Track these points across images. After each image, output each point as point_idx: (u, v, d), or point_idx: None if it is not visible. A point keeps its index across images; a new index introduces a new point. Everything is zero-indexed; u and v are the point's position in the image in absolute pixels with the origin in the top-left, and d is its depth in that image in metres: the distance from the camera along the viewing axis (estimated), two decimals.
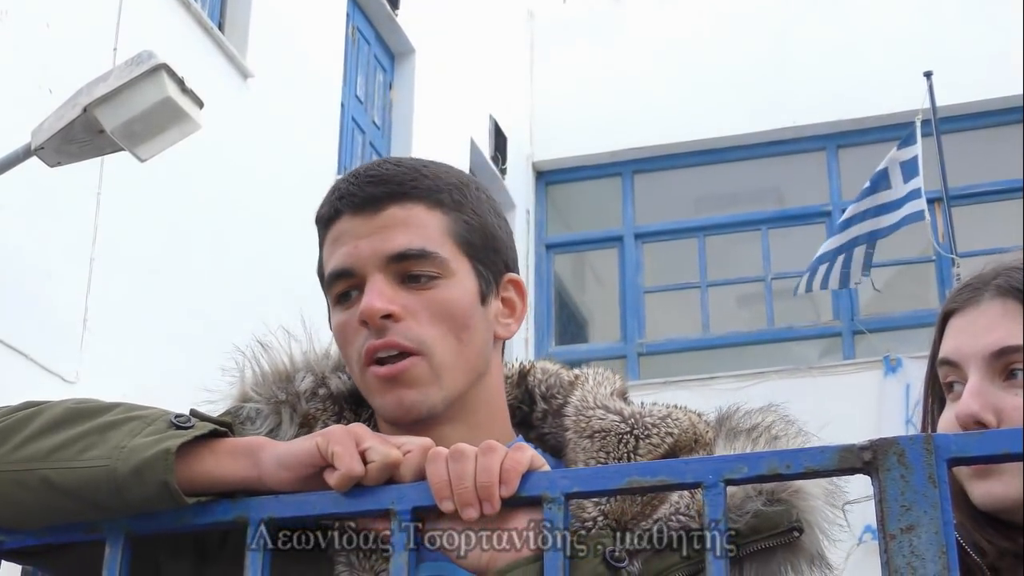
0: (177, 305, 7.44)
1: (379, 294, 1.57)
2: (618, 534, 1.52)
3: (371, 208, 1.61)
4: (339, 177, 1.70)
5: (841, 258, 10.39)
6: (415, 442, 1.44)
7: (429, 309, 1.59)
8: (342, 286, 1.62)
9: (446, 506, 1.37)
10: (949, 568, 1.18)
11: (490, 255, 1.67)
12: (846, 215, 10.46)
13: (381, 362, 1.58)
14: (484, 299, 1.65)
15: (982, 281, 1.72)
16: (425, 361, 1.58)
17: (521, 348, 11.78)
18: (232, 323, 7.16)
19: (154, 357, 7.04)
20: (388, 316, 1.57)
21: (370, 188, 1.61)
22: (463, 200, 1.66)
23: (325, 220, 1.66)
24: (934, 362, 1.76)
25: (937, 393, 1.77)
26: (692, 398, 1.73)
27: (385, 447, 1.42)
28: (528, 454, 1.38)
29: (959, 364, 1.69)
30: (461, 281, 1.62)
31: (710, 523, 1.27)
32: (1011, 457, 1.23)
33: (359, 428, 1.45)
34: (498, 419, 1.68)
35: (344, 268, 1.61)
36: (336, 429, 1.45)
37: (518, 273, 1.73)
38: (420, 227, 1.61)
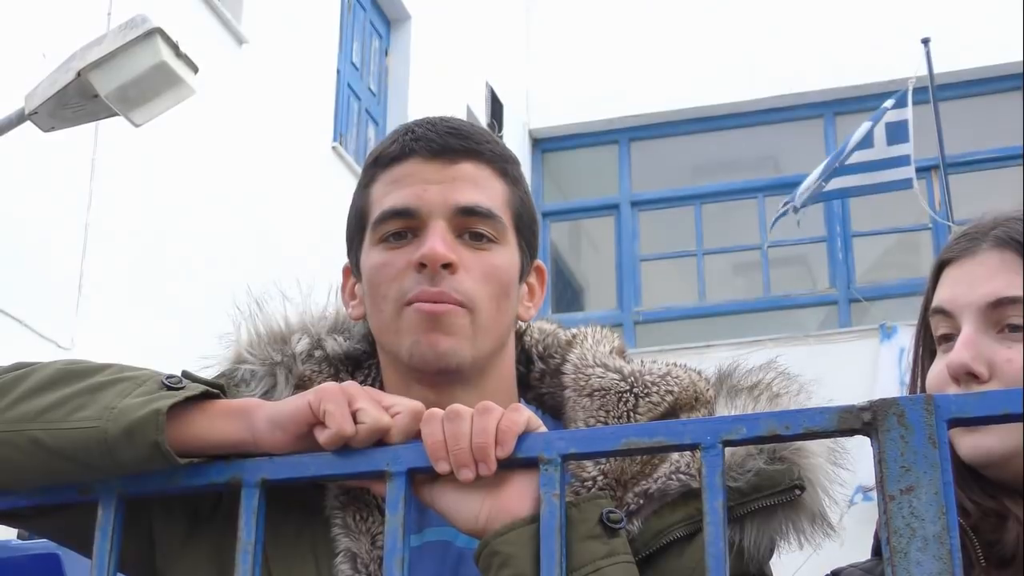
0: (172, 271, 7.42)
1: (442, 241, 1.56)
2: (617, 494, 1.51)
3: (447, 157, 1.61)
4: (407, 122, 1.68)
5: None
6: (405, 404, 1.43)
7: (482, 268, 1.59)
8: (397, 225, 1.60)
9: (441, 467, 1.36)
10: (949, 529, 1.17)
11: (531, 237, 1.69)
12: (829, 165, 10.30)
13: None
14: (521, 276, 1.66)
15: (980, 231, 1.68)
16: (469, 315, 1.57)
17: None
18: (227, 288, 7.14)
19: (149, 323, 7.03)
20: (447, 265, 1.56)
21: (450, 139, 1.61)
22: (519, 178, 1.68)
23: (390, 159, 1.63)
24: (926, 312, 1.71)
25: (928, 344, 1.72)
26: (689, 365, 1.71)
27: (376, 411, 1.41)
28: (524, 415, 1.37)
29: (953, 314, 1.65)
30: (511, 251, 1.63)
31: (708, 485, 1.26)
32: (1011, 418, 1.21)
33: (353, 387, 1.44)
34: (507, 391, 1.67)
35: (408, 208, 1.59)
36: (329, 386, 1.44)
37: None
38: (489, 189, 1.62)
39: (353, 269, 1.70)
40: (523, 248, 1.66)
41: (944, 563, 1.16)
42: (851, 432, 1.25)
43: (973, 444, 1.59)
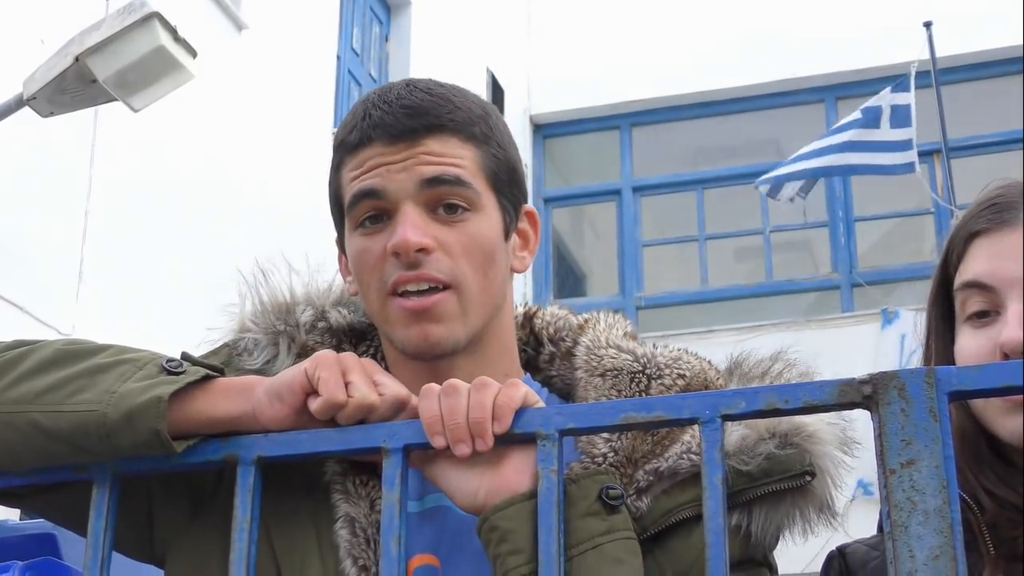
0: (172, 256, 7.41)
1: (413, 226, 1.52)
2: (628, 471, 1.50)
3: (406, 139, 1.55)
4: (365, 98, 1.62)
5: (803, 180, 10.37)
6: (391, 388, 1.43)
7: (460, 243, 1.55)
8: (368, 207, 1.56)
9: (437, 441, 1.35)
10: (950, 502, 1.16)
11: (513, 189, 1.64)
12: (830, 141, 10.31)
13: (406, 295, 1.54)
14: (507, 234, 1.62)
15: (1009, 201, 1.61)
16: (455, 296, 1.54)
17: (519, 303, 11.75)
18: (227, 274, 7.13)
19: (149, 309, 7.02)
20: (422, 249, 1.52)
21: (406, 120, 1.55)
22: (490, 132, 1.61)
23: (352, 145, 1.58)
24: (945, 286, 1.66)
25: (944, 320, 1.66)
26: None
27: (367, 387, 1.41)
28: (522, 390, 1.36)
29: (995, 288, 1.58)
30: (489, 215, 1.59)
31: (707, 459, 1.25)
32: (1014, 390, 1.20)
33: (349, 358, 1.44)
34: (508, 353, 1.66)
35: (374, 189, 1.55)
36: (325, 354, 1.44)
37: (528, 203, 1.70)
38: (456, 158, 1.56)
39: (340, 248, 1.69)
40: (504, 205, 1.62)
41: (945, 537, 1.15)
42: (851, 405, 1.24)
43: (1017, 425, 1.53)
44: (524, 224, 1.67)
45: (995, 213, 1.62)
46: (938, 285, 1.68)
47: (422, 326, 1.54)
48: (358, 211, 1.57)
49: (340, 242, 1.68)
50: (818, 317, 11.56)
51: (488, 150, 1.60)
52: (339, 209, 1.63)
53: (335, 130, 1.65)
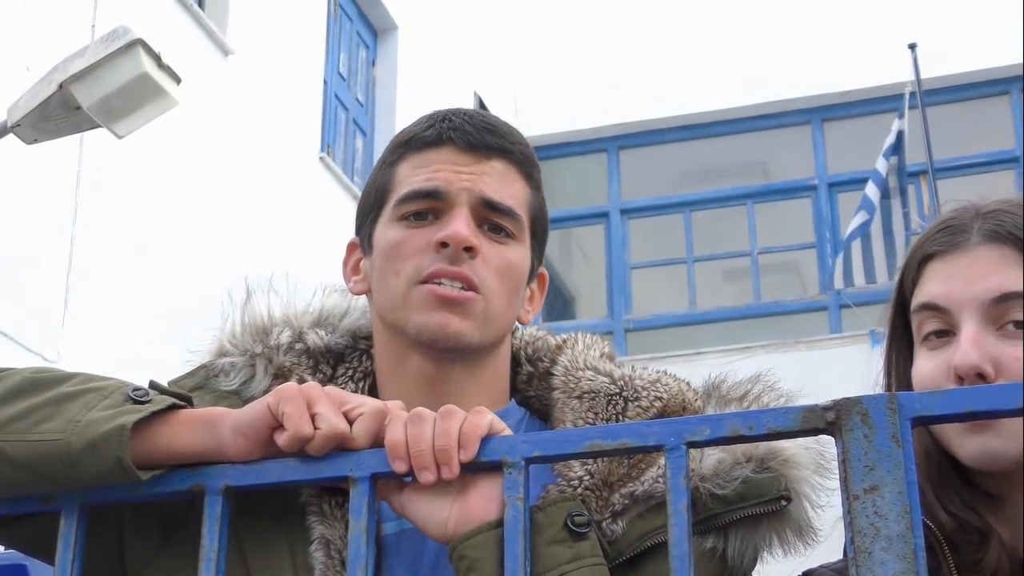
0: (158, 283, 7.41)
1: (467, 224, 1.59)
2: (603, 495, 1.51)
3: (480, 152, 1.64)
4: (440, 110, 1.71)
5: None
6: (368, 405, 1.40)
7: (498, 261, 1.62)
8: (421, 205, 1.63)
9: (398, 467, 1.34)
10: (913, 528, 1.16)
11: (542, 241, 1.73)
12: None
13: (440, 285, 1.59)
14: (530, 277, 1.70)
15: (962, 224, 1.62)
16: (483, 302, 1.59)
17: None
18: (214, 301, 7.13)
19: (136, 335, 7.02)
20: (469, 249, 1.58)
21: (486, 135, 1.65)
22: (540, 183, 1.72)
23: (423, 142, 1.66)
24: (902, 309, 1.67)
25: (902, 342, 1.67)
26: (679, 373, 1.70)
27: (334, 416, 1.38)
28: (487, 418, 1.36)
29: (949, 310, 1.58)
30: (525, 250, 1.68)
31: (672, 487, 1.25)
32: (977, 415, 1.21)
33: (313, 389, 1.42)
34: (500, 383, 1.69)
35: (436, 190, 1.62)
36: (288, 388, 1.42)
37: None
38: (514, 188, 1.66)
39: (363, 244, 1.71)
40: (534, 251, 1.70)
41: (908, 563, 1.15)
42: (815, 431, 1.24)
43: (980, 446, 1.53)
44: (535, 285, 1.75)
45: (948, 236, 1.63)
46: (895, 308, 1.69)
47: (444, 314, 1.58)
48: (408, 206, 1.63)
49: (362, 239, 1.71)
50: (807, 338, 11.57)
51: (537, 196, 1.70)
52: (379, 202, 1.68)
53: (398, 135, 1.73)
